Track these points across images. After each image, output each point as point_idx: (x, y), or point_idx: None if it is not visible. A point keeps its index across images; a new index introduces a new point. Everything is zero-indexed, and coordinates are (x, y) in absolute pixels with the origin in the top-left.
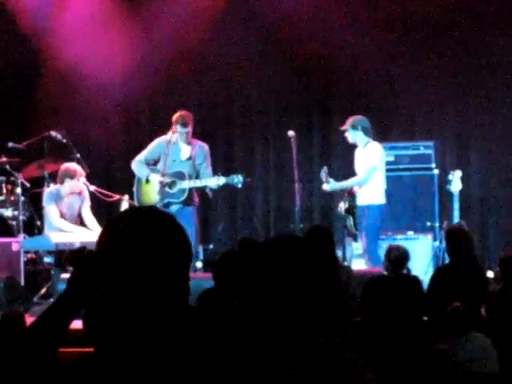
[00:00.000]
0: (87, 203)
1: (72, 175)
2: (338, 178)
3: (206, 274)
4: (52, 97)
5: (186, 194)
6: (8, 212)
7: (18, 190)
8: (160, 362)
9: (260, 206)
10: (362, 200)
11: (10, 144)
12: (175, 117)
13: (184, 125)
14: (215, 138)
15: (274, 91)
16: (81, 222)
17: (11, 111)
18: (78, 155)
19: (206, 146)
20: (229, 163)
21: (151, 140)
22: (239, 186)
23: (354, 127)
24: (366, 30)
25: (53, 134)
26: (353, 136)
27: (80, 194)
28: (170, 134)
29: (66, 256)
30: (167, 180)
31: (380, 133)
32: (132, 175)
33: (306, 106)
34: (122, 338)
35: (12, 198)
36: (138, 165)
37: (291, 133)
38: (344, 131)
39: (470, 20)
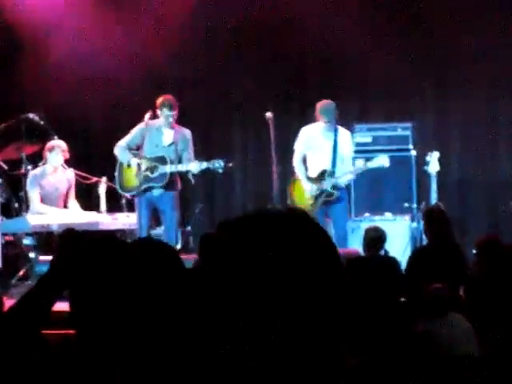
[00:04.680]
0: (73, 190)
1: (50, 149)
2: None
3: (184, 255)
4: (30, 79)
5: (167, 179)
6: None
7: None
8: (143, 348)
9: (238, 188)
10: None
11: None
12: (161, 100)
13: (171, 107)
14: (193, 121)
15: (250, 73)
16: (64, 205)
17: None
18: (56, 137)
19: (188, 132)
20: (207, 146)
21: (130, 123)
22: (220, 170)
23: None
24: (342, 12)
25: (30, 116)
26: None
27: (66, 176)
28: (146, 117)
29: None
30: (147, 165)
31: (358, 114)
32: (111, 158)
33: (284, 87)
34: (107, 322)
35: None
36: (120, 150)
37: (269, 114)
38: (329, 121)
39: (449, 3)
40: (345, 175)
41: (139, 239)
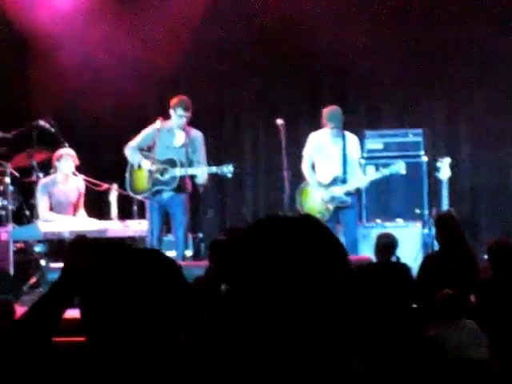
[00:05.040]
0: (82, 199)
1: (59, 157)
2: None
3: (195, 262)
4: (40, 86)
5: (177, 182)
6: None
7: (7, 180)
8: (153, 355)
9: (249, 194)
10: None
11: None
12: (176, 100)
13: (186, 108)
14: (203, 126)
15: (262, 79)
16: (74, 214)
17: None
18: (67, 144)
19: (200, 135)
20: (217, 151)
21: (140, 129)
22: (229, 175)
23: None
24: (354, 18)
25: (41, 123)
26: (340, 130)
27: (76, 185)
28: (158, 121)
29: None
30: (157, 167)
31: (369, 120)
32: (121, 165)
33: (295, 94)
34: (118, 328)
35: (1, 188)
36: (130, 151)
37: (280, 121)
38: (336, 127)
39: (457, 7)
40: (358, 183)
41: (143, 249)
